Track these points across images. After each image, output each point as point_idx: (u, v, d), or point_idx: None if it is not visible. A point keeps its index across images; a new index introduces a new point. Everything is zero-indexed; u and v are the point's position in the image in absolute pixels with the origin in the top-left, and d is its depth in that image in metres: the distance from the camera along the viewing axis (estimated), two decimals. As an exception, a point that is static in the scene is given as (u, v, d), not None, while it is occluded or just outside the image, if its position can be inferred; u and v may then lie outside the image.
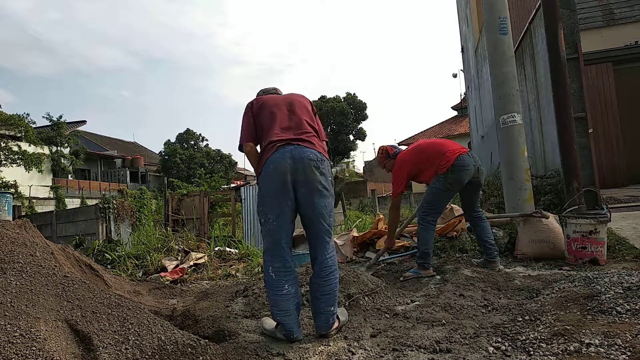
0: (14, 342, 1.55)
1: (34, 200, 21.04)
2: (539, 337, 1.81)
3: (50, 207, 21.13)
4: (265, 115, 2.30)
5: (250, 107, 2.38)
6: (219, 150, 36.28)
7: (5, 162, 17.97)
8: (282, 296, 2.09)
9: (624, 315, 1.92)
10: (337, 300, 2.21)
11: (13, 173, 18.60)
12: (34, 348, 1.55)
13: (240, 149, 2.36)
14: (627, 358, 1.54)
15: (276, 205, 2.11)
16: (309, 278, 2.24)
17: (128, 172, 32.15)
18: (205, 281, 4.30)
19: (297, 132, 2.22)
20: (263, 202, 2.15)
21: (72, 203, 23.07)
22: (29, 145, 18.95)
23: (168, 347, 1.78)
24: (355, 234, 4.54)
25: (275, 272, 2.10)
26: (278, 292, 2.09)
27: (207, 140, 37.95)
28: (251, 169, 4.97)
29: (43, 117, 24.35)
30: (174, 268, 4.83)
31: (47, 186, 23.55)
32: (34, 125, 20.86)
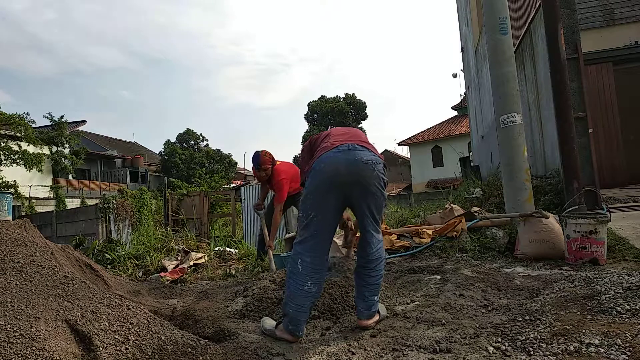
0: (14, 342, 1.55)
1: (34, 200, 21.05)
2: (539, 337, 1.81)
3: (50, 207, 21.14)
4: (320, 137, 2.39)
5: (309, 144, 2.47)
6: (219, 150, 36.33)
7: (5, 161, 17.97)
8: (302, 291, 2.08)
9: (624, 315, 1.92)
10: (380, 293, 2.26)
11: (13, 173, 18.61)
12: (34, 348, 1.55)
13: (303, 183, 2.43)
14: (627, 358, 1.54)
15: (320, 203, 2.11)
16: (356, 266, 2.27)
17: (128, 172, 32.17)
18: (205, 281, 4.29)
19: (353, 139, 2.23)
20: (306, 197, 2.15)
21: (72, 203, 23.08)
22: (29, 145, 18.95)
23: (168, 347, 1.78)
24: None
25: (303, 267, 2.09)
26: (299, 287, 2.08)
27: (207, 140, 38.05)
28: (250, 170, 5.00)
29: (44, 116, 24.44)
30: (174, 268, 4.83)
31: (47, 186, 23.56)
32: (34, 125, 20.86)
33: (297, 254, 2.14)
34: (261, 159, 4.32)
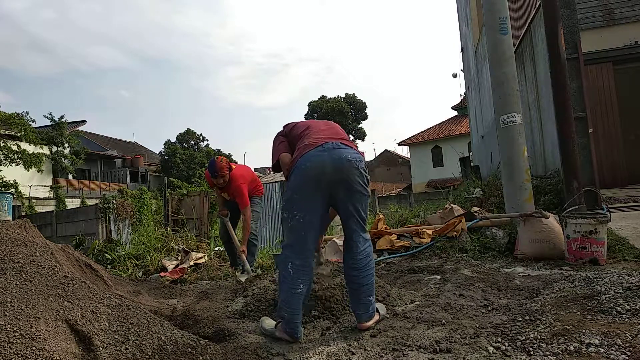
0: (14, 342, 1.55)
1: (34, 200, 21.04)
2: (539, 337, 1.81)
3: (50, 207, 21.13)
4: (298, 129, 2.34)
5: (281, 133, 2.44)
6: (219, 150, 36.33)
7: (4, 161, 17.95)
8: (295, 295, 2.07)
9: (624, 315, 1.92)
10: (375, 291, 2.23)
11: (13, 173, 18.57)
12: (34, 348, 1.55)
13: (275, 168, 2.37)
14: (627, 358, 1.54)
15: (307, 203, 2.09)
16: (344, 270, 2.24)
17: (128, 172, 32.16)
18: (205, 281, 4.30)
19: (335, 137, 2.22)
20: (292, 198, 2.12)
21: (72, 203, 23.07)
22: (29, 145, 18.93)
23: (168, 347, 1.78)
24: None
25: (295, 270, 2.08)
26: (292, 290, 2.07)
27: (207, 140, 38.10)
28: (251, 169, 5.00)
29: (44, 116, 24.50)
30: (174, 268, 4.83)
31: (47, 186, 23.55)
32: (34, 125, 20.85)
33: (286, 257, 2.12)
34: (217, 165, 4.22)
